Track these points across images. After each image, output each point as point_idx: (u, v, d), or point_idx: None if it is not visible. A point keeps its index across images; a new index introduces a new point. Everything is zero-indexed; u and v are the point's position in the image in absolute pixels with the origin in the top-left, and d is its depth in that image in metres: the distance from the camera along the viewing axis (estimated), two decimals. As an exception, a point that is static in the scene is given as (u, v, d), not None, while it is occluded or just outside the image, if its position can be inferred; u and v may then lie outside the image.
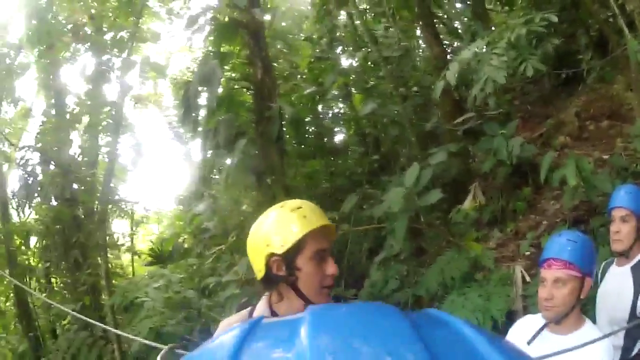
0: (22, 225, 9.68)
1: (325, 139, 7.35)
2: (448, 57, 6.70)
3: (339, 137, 7.74)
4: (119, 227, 11.18)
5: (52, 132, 8.46)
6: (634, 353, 2.67)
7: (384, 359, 0.45)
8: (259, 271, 1.61)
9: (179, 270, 7.52)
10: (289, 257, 1.55)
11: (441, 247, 5.37)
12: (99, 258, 7.95)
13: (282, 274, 1.58)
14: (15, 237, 9.41)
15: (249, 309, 1.75)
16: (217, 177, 6.99)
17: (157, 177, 19.86)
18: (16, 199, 9.01)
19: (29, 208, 9.39)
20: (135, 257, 10.61)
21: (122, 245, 10.30)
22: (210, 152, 6.45)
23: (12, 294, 9.71)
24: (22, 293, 8.15)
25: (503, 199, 6.01)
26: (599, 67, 7.08)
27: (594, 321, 2.26)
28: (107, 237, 8.91)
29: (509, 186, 6.05)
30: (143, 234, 12.07)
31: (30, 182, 8.40)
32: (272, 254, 1.56)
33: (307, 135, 7.00)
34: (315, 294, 1.59)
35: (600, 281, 2.92)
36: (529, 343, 2.04)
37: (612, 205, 2.79)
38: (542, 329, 2.03)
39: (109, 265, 8.64)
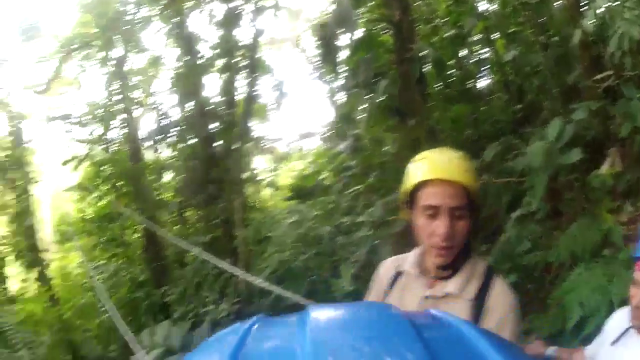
0: (155, 163, 10.45)
1: (469, 84, 7.03)
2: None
3: (483, 83, 7.37)
4: (260, 163, 11.56)
5: (186, 76, 8.90)
6: None
7: (384, 359, 0.45)
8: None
9: (317, 206, 7.57)
10: (408, 206, 1.54)
11: (577, 213, 5.02)
12: (235, 193, 8.07)
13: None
14: (148, 174, 10.18)
15: (402, 255, 1.70)
16: (360, 116, 6.85)
17: (299, 115, 20.30)
18: (151, 140, 9.67)
19: (168, 147, 10.10)
20: (277, 192, 10.79)
21: (263, 180, 10.62)
22: (351, 91, 6.47)
23: (137, 227, 10.57)
24: (150, 225, 8.82)
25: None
26: None
27: None
28: (247, 173, 9.15)
29: (649, 157, 5.46)
30: (285, 170, 12.22)
31: (163, 123, 8.97)
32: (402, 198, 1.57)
33: (449, 79, 6.76)
34: (426, 250, 1.56)
35: None
36: (612, 344, 1.74)
37: None
38: (626, 330, 1.70)
39: (246, 200, 8.91)
